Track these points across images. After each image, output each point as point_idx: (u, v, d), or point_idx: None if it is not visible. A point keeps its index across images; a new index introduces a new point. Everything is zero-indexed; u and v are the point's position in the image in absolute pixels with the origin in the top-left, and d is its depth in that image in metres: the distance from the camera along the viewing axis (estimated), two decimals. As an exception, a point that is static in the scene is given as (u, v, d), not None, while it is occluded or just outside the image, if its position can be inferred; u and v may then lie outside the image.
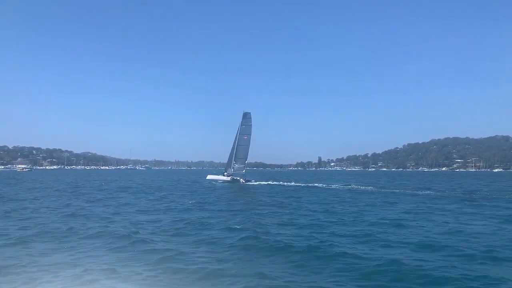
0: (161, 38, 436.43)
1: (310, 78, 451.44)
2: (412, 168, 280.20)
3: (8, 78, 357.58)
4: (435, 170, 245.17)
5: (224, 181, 57.32)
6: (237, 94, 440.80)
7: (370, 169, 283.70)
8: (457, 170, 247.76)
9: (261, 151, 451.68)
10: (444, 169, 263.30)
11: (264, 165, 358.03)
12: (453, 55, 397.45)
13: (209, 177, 61.95)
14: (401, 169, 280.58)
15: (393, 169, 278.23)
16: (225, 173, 59.40)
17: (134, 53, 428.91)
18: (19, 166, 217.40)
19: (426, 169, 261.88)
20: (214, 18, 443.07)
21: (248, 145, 58.90)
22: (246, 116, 59.12)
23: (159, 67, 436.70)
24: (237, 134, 59.15)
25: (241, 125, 59.00)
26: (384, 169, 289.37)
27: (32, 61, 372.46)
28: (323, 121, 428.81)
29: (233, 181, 56.64)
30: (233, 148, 59.35)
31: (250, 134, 58.85)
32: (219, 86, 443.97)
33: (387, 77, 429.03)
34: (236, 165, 59.10)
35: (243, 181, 56.45)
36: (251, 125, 58.86)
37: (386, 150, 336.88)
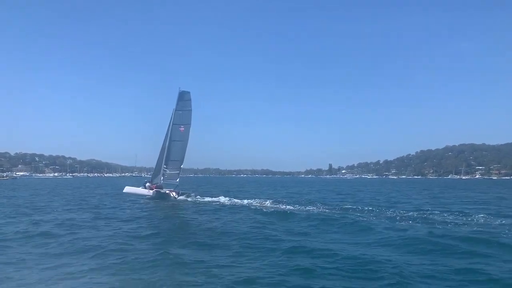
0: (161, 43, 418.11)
1: (317, 85, 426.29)
2: (431, 176, 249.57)
3: (14, 83, 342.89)
4: (468, 178, 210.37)
5: (146, 197, 34.95)
6: (240, 98, 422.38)
7: (391, 177, 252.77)
8: (494, 178, 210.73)
9: (269, 156, 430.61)
10: (477, 176, 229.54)
11: (273, 173, 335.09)
12: (465, 59, 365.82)
13: (127, 189, 38.92)
14: (420, 176, 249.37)
15: (414, 177, 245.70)
16: (147, 184, 36.71)
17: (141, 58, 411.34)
18: (19, 173, 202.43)
19: (457, 177, 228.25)
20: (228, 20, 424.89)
21: (186, 140, 36.30)
22: (184, 97, 36.62)
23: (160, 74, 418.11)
24: (169, 125, 36.80)
25: (175, 111, 36.45)
26: (403, 176, 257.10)
27: (38, 65, 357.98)
28: (333, 127, 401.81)
29: (159, 196, 34.33)
30: (163, 146, 37.00)
31: (190, 124, 36.36)
32: (221, 90, 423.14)
33: (397, 82, 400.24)
34: (168, 171, 36.58)
35: (175, 196, 34.03)
36: (190, 110, 36.37)
37: (398, 157, 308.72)
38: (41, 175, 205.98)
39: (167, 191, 34.73)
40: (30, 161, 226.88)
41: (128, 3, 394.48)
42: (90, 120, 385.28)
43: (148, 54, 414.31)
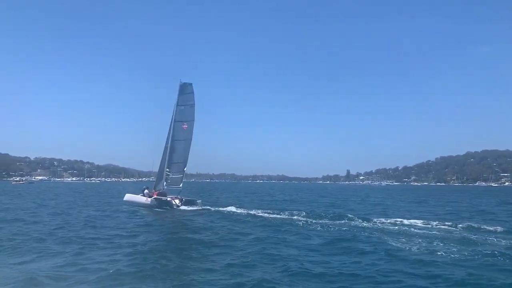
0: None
1: (333, 91, 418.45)
2: (454, 183, 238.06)
3: (26, 86, 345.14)
4: (497, 186, 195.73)
5: (145, 206, 30.10)
6: (256, 104, 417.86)
7: (413, 184, 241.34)
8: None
9: (284, 162, 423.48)
10: (507, 184, 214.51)
11: (289, 178, 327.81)
12: (485, 63, 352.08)
13: (127, 197, 33.23)
14: (443, 183, 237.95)
15: (438, 184, 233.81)
16: (146, 191, 31.79)
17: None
18: (38, 177, 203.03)
19: (484, 184, 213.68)
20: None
21: (189, 139, 31.60)
22: (185, 90, 32.01)
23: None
24: (171, 123, 32.14)
25: (176, 106, 31.87)
26: (425, 183, 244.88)
27: (55, 71, 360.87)
28: (349, 133, 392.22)
29: (158, 204, 29.47)
30: (166, 147, 32.31)
31: (193, 120, 31.66)
32: (237, 96, 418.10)
33: (414, 88, 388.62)
34: (171, 175, 31.83)
35: (178, 204, 29.10)
36: (193, 104, 31.74)
37: (418, 163, 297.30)
38: (59, 179, 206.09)
39: (168, 199, 29.91)
40: (49, 165, 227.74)
41: (132, 3, 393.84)
42: (108, 125, 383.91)
43: (161, 56, 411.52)
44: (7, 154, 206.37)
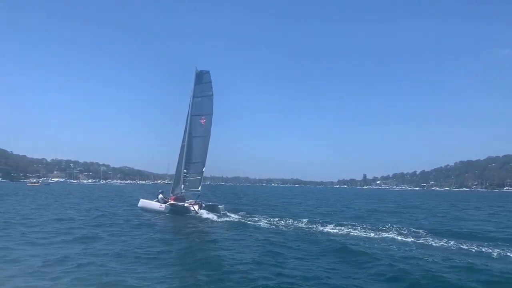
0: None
1: (346, 97, 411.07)
2: (476, 188, 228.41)
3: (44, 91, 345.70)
4: None
5: (159, 213, 25.94)
6: (270, 108, 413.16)
7: (434, 189, 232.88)
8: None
9: (298, 165, 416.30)
10: None
11: (304, 183, 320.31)
12: (504, 66, 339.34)
13: (142, 203, 29.42)
14: (465, 188, 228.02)
15: (460, 189, 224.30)
16: (160, 196, 27.60)
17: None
18: (54, 179, 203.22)
19: None
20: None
21: (208, 135, 27.52)
22: (202, 79, 27.99)
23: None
24: (188, 117, 28.12)
25: (193, 98, 27.87)
26: (446, 188, 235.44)
27: (72, 73, 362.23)
28: (364, 137, 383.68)
29: (174, 211, 25.38)
30: (182, 145, 28.30)
31: (212, 114, 27.58)
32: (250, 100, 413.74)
33: (430, 91, 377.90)
34: (189, 177, 27.76)
35: (196, 211, 24.92)
36: (212, 95, 27.69)
37: (436, 167, 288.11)
38: (75, 181, 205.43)
39: (185, 204, 25.78)
40: (65, 167, 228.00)
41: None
42: (122, 126, 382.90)
43: (172, 56, 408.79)
44: (25, 156, 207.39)
